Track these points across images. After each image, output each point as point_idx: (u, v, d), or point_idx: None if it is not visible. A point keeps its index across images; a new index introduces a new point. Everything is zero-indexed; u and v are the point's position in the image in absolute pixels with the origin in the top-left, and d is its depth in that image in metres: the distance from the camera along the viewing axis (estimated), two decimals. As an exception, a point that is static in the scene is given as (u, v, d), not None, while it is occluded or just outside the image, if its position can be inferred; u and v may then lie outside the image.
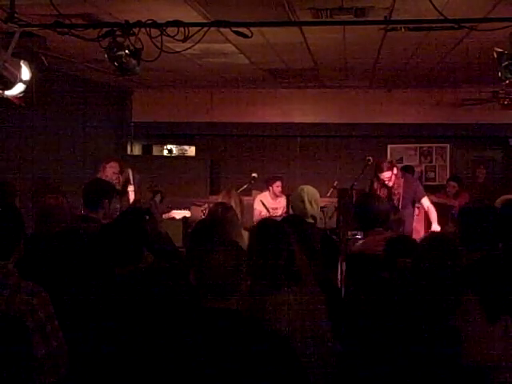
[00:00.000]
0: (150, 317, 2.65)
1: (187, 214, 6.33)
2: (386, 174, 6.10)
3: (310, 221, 4.31)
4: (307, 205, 4.35)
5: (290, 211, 4.48)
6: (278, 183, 8.03)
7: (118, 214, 5.93)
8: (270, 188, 8.08)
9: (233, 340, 2.02)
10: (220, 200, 5.09)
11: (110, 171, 6.16)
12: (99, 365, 2.72)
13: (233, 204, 4.93)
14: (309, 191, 4.43)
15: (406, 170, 8.82)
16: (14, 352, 2.34)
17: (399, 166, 9.30)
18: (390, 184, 6.12)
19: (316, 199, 4.43)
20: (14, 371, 2.33)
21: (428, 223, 6.63)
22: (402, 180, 6.24)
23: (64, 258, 3.54)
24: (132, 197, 6.26)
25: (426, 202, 6.33)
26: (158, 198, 5.14)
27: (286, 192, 7.76)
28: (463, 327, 2.44)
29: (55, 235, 3.83)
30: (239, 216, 4.55)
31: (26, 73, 4.16)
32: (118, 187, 6.18)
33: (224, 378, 1.97)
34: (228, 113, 9.90)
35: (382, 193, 6.22)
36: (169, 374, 2.04)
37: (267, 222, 3.21)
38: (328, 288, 3.34)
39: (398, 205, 6.02)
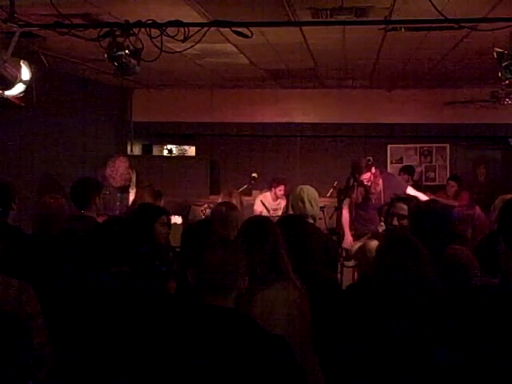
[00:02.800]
0: (148, 315, 2.66)
1: (178, 220, 6.29)
2: (364, 176, 6.03)
3: (310, 221, 4.31)
4: (307, 205, 4.35)
5: (290, 211, 4.47)
6: (281, 187, 7.99)
7: (117, 211, 5.95)
8: (273, 189, 8.06)
9: (229, 338, 2.03)
10: (221, 200, 5.09)
11: (122, 166, 6.13)
12: (97, 364, 2.72)
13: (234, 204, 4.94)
14: (308, 191, 4.42)
15: (406, 170, 8.85)
16: (14, 348, 2.35)
17: (399, 166, 9.40)
18: (369, 184, 6.08)
19: (315, 199, 4.42)
20: (14, 367, 2.34)
21: None
22: (381, 178, 6.18)
23: (63, 258, 3.55)
24: (132, 197, 6.25)
25: (410, 191, 6.10)
26: (161, 202, 5.14)
27: (286, 192, 7.76)
28: None
29: (55, 236, 3.84)
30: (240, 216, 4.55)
31: (26, 73, 4.17)
32: (128, 183, 6.17)
33: (220, 376, 1.98)
34: (228, 113, 9.90)
35: (359, 192, 6.17)
36: (166, 372, 2.04)
37: (253, 219, 3.26)
38: (328, 288, 3.35)
39: (378, 204, 5.93)
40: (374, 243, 4.39)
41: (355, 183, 6.12)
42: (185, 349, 2.03)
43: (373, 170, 6.11)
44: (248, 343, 2.03)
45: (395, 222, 3.93)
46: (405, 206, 3.95)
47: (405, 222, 3.89)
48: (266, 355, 2.01)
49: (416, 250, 2.50)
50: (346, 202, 6.25)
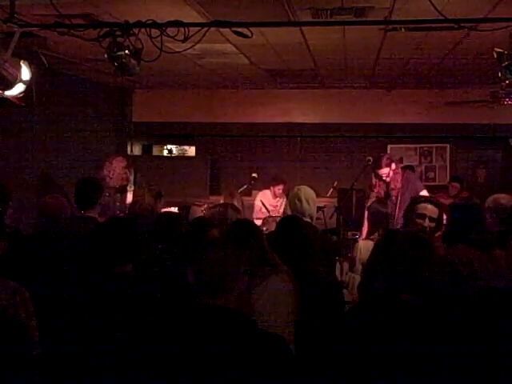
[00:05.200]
0: (147, 315, 2.65)
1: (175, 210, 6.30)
2: (383, 171, 6.10)
3: (308, 220, 4.32)
4: (304, 203, 4.37)
5: (288, 211, 4.48)
6: (280, 186, 8.00)
7: (117, 211, 5.96)
8: (272, 188, 8.08)
9: (228, 338, 2.03)
10: (223, 201, 5.10)
11: (119, 166, 6.12)
12: (96, 363, 2.72)
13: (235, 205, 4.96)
14: (305, 190, 4.46)
15: (406, 170, 8.85)
16: (13, 349, 2.35)
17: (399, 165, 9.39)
18: (388, 179, 6.13)
19: (313, 198, 4.45)
20: (13, 368, 2.34)
21: None
22: (402, 176, 6.24)
23: (64, 258, 3.55)
24: (130, 197, 6.24)
25: (425, 194, 6.20)
26: (161, 202, 5.15)
27: (285, 191, 7.77)
28: None
29: (56, 236, 3.84)
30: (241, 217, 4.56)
31: (25, 73, 4.17)
32: (125, 183, 6.17)
33: (219, 376, 1.98)
34: (228, 113, 9.90)
35: (381, 188, 6.23)
36: (164, 372, 2.04)
37: (237, 222, 3.45)
38: (329, 288, 3.36)
39: (397, 201, 6.00)
40: (366, 243, 4.41)
41: (375, 178, 6.18)
42: (183, 349, 2.03)
43: (393, 166, 6.16)
44: (246, 343, 2.03)
45: (426, 224, 3.91)
46: (435, 209, 3.95)
47: (433, 224, 3.89)
48: (265, 356, 2.00)
49: (421, 248, 2.47)
50: (372, 195, 6.33)
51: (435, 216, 3.90)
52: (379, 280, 2.45)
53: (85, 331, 2.75)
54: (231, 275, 2.12)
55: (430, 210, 3.95)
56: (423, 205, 4.01)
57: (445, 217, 3.99)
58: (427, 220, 3.92)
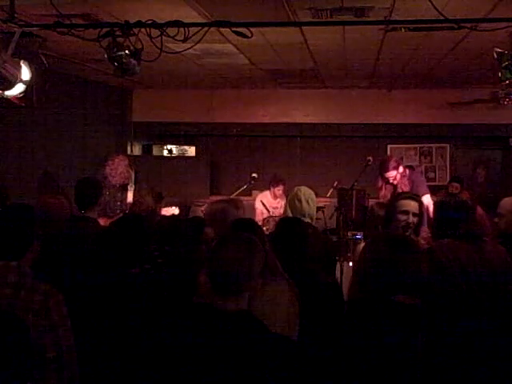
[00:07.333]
0: (158, 316, 2.65)
1: (176, 211, 6.28)
2: (390, 174, 6.07)
3: (308, 220, 4.32)
4: (304, 204, 4.36)
5: (288, 211, 4.47)
6: (280, 187, 7.99)
7: (118, 211, 5.96)
8: (272, 189, 8.07)
9: (239, 341, 2.00)
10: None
11: (122, 164, 6.12)
12: (106, 365, 2.72)
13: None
14: (305, 191, 4.46)
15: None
16: (12, 348, 2.34)
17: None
18: (395, 182, 6.10)
19: (312, 199, 4.45)
20: (12, 367, 2.34)
21: None
22: (408, 177, 6.20)
23: (64, 258, 3.55)
24: (131, 196, 6.25)
25: (426, 199, 6.06)
26: (162, 204, 5.15)
27: (285, 192, 7.77)
28: None
29: (55, 236, 3.83)
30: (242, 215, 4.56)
31: (25, 73, 4.16)
32: (127, 181, 6.18)
33: (229, 378, 1.96)
34: (228, 113, 9.90)
35: (387, 191, 6.20)
36: (175, 373, 2.03)
37: (239, 221, 3.37)
38: (330, 289, 3.35)
39: None
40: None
41: (381, 181, 6.16)
42: (193, 349, 2.00)
43: (400, 169, 6.13)
44: (257, 346, 1.99)
45: (411, 220, 3.95)
46: (416, 204, 4.01)
47: (416, 219, 3.93)
48: (275, 359, 1.97)
49: (405, 248, 2.49)
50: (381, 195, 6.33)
51: (417, 211, 3.96)
52: (368, 283, 2.46)
53: (88, 332, 2.75)
54: (244, 275, 2.05)
55: (412, 205, 4.01)
56: (405, 201, 4.05)
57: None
58: (411, 216, 3.96)
